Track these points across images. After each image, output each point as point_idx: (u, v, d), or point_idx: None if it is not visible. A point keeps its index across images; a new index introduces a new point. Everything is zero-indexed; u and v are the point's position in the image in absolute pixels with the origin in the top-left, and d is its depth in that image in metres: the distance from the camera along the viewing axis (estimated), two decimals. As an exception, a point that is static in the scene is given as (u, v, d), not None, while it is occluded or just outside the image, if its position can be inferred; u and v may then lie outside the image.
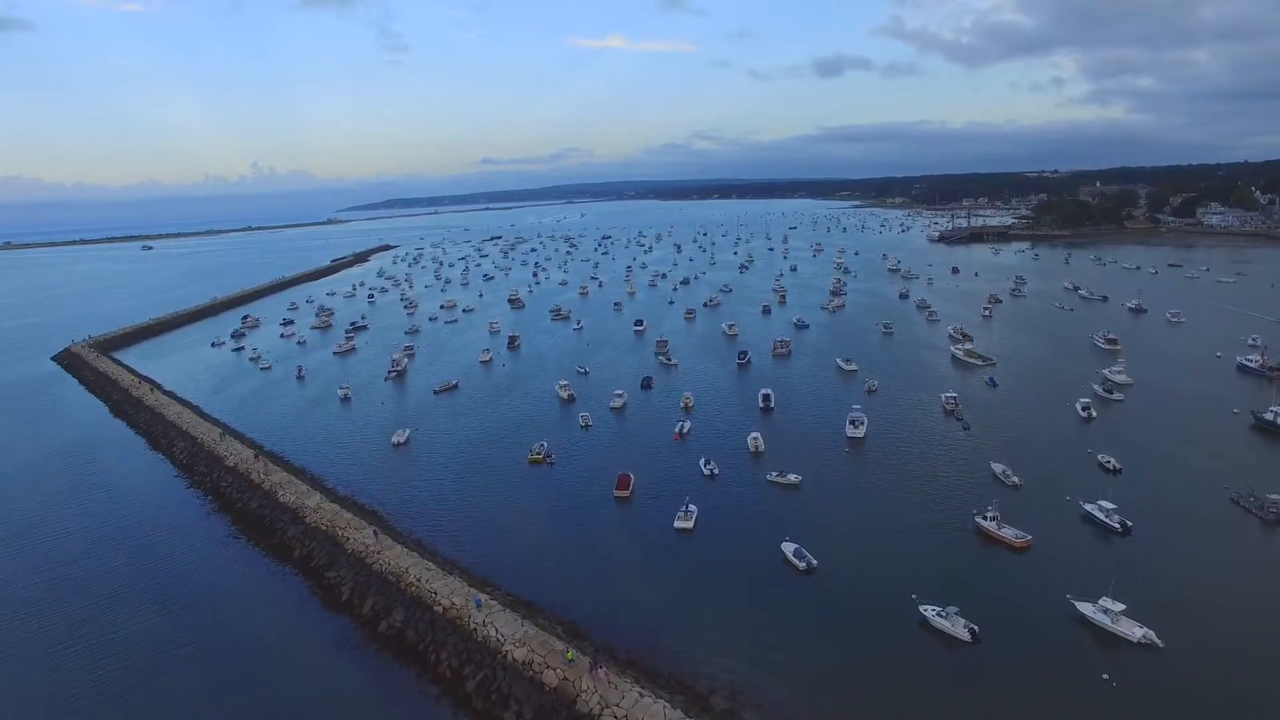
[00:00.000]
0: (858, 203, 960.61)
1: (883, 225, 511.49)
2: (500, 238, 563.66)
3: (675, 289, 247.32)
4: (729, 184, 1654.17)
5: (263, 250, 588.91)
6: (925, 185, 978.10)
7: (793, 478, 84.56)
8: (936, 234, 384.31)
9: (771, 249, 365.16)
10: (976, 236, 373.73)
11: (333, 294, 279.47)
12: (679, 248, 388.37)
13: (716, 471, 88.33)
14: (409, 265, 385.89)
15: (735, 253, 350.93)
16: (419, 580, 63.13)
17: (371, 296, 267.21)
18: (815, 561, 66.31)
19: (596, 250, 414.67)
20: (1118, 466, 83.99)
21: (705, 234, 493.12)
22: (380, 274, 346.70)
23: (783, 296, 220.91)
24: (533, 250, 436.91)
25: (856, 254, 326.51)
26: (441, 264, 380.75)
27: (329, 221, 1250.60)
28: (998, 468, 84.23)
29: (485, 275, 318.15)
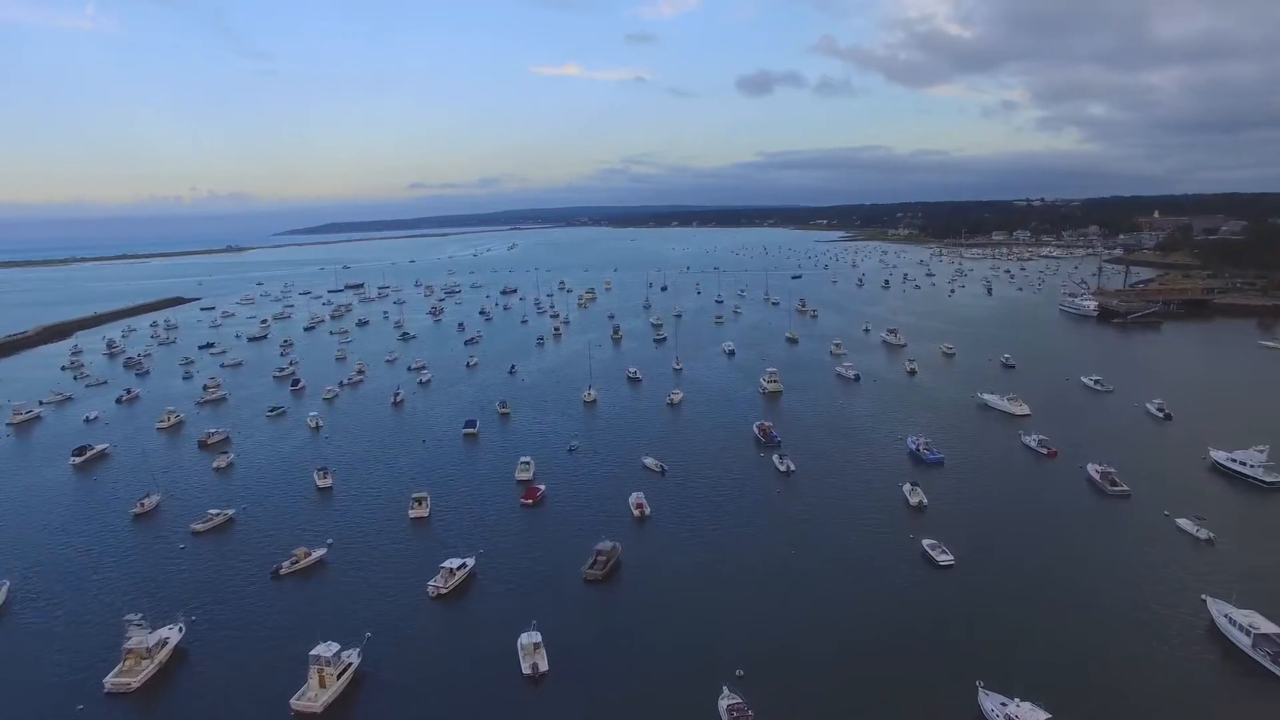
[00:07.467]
0: (845, 234, 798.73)
1: (930, 276, 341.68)
2: (362, 285, 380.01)
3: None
4: (690, 210, 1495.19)
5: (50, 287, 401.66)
6: (920, 214, 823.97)
7: None
8: (1091, 305, 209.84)
9: (795, 340, 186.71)
10: (1164, 309, 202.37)
11: None
12: (616, 329, 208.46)
13: None
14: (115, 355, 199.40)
15: (729, 352, 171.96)
16: None
17: None
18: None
19: (481, 316, 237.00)
20: None
21: (665, 287, 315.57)
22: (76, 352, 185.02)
23: None
24: (388, 311, 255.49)
25: (1004, 363, 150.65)
26: (142, 359, 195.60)
27: (228, 249, 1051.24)
28: None
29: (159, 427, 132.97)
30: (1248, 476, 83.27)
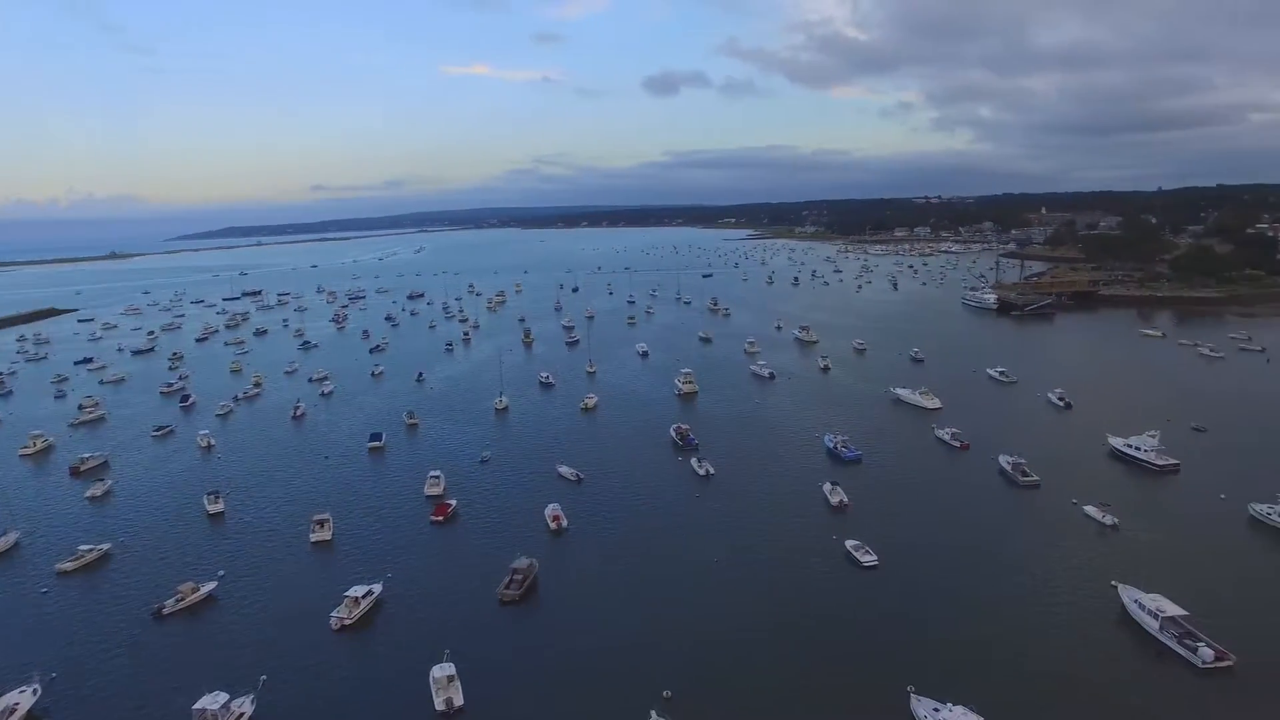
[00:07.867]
0: (753, 232, 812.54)
1: (837, 273, 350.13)
2: (260, 292, 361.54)
3: None
4: (599, 210, 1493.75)
5: None
6: (826, 211, 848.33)
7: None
8: (991, 298, 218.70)
9: (708, 339, 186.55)
10: (1056, 302, 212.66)
11: None
12: (528, 332, 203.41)
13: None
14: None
15: (643, 353, 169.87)
16: None
17: None
18: None
19: (387, 323, 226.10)
20: None
21: (576, 288, 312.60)
22: None
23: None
24: (288, 319, 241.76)
25: (917, 354, 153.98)
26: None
27: (111, 256, 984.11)
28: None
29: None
30: (1142, 461, 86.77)
